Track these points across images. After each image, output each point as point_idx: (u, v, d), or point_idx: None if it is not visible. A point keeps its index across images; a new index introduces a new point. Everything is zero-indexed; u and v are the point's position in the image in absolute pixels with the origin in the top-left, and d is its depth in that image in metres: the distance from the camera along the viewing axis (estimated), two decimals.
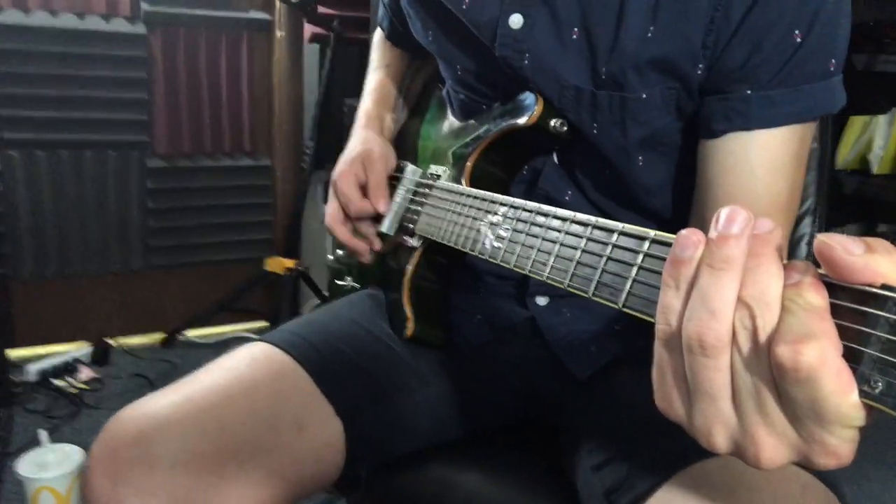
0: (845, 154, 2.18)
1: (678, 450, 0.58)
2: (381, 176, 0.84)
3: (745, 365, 0.35)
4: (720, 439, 0.36)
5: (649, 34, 0.62)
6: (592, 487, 0.64)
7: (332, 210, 0.85)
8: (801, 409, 0.33)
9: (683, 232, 0.37)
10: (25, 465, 1.37)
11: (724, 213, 0.35)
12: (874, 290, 0.32)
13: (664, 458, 0.58)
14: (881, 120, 2.12)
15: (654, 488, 0.57)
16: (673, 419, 0.39)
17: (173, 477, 0.63)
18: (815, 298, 0.33)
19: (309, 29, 2.31)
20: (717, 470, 0.56)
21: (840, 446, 0.33)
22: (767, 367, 0.34)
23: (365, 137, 0.88)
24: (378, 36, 1.00)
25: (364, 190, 0.84)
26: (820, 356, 0.31)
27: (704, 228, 0.36)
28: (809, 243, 0.90)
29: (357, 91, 0.98)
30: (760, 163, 0.63)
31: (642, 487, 0.58)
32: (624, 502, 0.59)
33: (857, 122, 2.18)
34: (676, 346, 0.37)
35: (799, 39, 0.58)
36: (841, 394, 0.32)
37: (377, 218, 0.84)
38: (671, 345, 0.37)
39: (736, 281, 0.34)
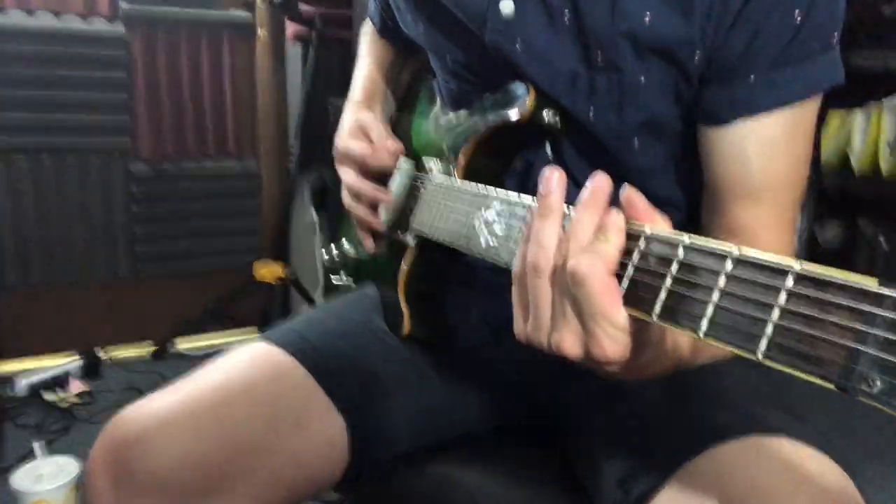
0: (824, 150, 2.21)
1: (690, 437, 0.58)
2: (381, 129, 0.83)
3: (559, 282, 0.46)
4: (542, 337, 0.48)
5: (646, 20, 0.61)
6: (604, 478, 0.64)
7: (348, 182, 0.84)
8: (583, 308, 0.44)
9: (534, 204, 0.49)
10: (20, 479, 1.34)
11: (545, 173, 0.48)
12: (872, 289, 0.33)
13: (677, 445, 0.58)
14: (858, 116, 2.14)
15: (669, 475, 0.56)
16: (523, 339, 0.50)
17: (174, 478, 0.62)
18: (612, 236, 0.44)
19: (291, 28, 2.30)
20: (731, 456, 0.56)
21: (606, 341, 0.44)
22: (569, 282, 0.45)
23: (356, 114, 0.88)
24: (368, 27, 0.99)
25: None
26: (591, 266, 0.43)
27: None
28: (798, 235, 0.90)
29: (341, 90, 0.97)
30: (765, 142, 0.62)
31: (657, 475, 0.57)
32: (639, 490, 0.58)
33: (834, 118, 2.21)
34: (524, 283, 0.49)
35: (799, 20, 0.58)
36: (605, 293, 0.43)
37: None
38: (521, 281, 0.49)
39: (557, 222, 0.47)
